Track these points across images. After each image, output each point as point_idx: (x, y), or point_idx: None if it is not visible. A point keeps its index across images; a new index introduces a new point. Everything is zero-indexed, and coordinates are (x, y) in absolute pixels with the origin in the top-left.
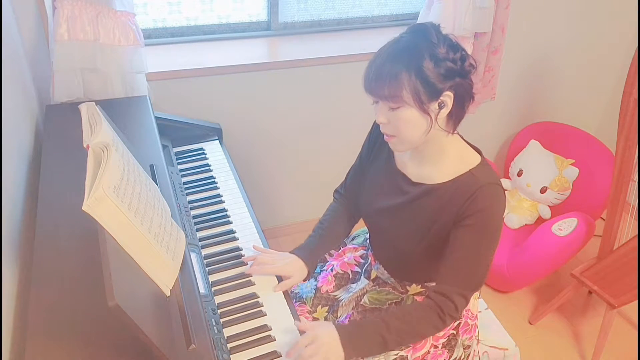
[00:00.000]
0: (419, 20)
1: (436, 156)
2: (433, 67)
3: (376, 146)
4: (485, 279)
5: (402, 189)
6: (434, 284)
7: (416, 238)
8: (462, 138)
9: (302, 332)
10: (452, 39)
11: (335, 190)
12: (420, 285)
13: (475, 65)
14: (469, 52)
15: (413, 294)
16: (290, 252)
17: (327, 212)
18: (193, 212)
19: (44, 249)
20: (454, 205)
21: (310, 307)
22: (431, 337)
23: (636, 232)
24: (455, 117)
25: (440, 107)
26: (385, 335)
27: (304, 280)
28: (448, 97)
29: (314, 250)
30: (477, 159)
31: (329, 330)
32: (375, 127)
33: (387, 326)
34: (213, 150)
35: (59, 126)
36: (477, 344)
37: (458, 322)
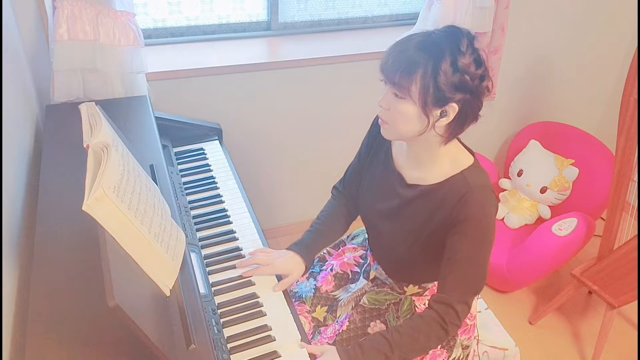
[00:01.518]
0: (418, 20)
1: (431, 161)
2: (450, 74)
3: (376, 143)
4: (485, 282)
5: (397, 192)
6: (430, 284)
7: (411, 240)
8: (459, 140)
9: (309, 354)
10: (481, 55)
11: (334, 187)
12: (417, 286)
13: (490, 89)
14: None
15: (411, 295)
16: (287, 249)
17: (324, 209)
18: (193, 212)
19: (44, 249)
20: (445, 208)
21: (310, 307)
22: None
23: (636, 232)
24: (452, 131)
25: (442, 115)
26: (388, 355)
27: (302, 275)
28: (452, 109)
29: (311, 246)
30: (469, 160)
31: None
32: (375, 123)
33: (390, 346)
34: (213, 150)
35: (59, 126)
36: (477, 344)
37: None
